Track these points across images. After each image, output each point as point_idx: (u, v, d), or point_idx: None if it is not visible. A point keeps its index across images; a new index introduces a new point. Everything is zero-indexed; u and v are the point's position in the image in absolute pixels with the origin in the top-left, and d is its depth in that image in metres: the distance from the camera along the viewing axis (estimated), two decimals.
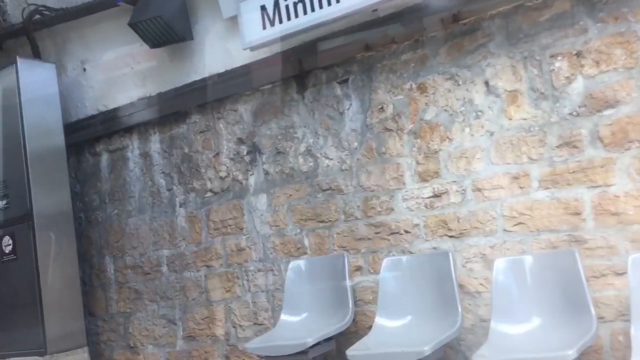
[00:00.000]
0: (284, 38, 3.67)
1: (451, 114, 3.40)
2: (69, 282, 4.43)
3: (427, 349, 2.69)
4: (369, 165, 3.66)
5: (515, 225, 3.19)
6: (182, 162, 4.43)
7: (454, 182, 3.37)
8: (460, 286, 3.24)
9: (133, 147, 4.69)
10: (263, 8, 3.65)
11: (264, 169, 4.07)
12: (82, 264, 4.74)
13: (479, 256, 3.29)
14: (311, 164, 3.88)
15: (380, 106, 3.62)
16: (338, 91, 3.79)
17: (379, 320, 3.20)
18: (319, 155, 3.86)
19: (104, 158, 4.85)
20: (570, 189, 3.06)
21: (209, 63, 4.23)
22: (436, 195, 3.43)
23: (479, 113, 3.31)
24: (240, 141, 4.18)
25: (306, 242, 3.88)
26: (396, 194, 3.56)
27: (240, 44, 3.98)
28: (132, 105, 4.61)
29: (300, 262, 3.72)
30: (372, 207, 3.63)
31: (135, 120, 4.61)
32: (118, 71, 4.65)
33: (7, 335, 4.42)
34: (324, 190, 3.83)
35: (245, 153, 4.16)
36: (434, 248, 3.42)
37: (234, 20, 4.02)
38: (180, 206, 4.44)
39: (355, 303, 3.53)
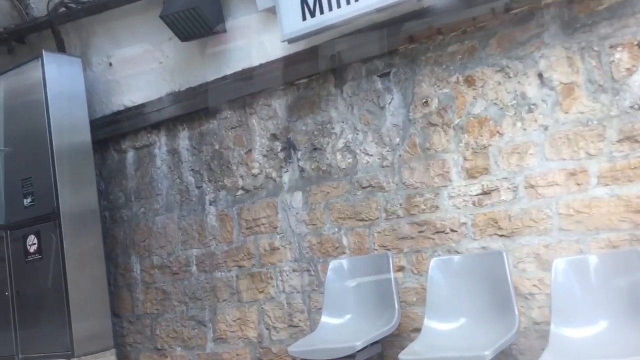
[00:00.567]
0: (324, 29, 3.54)
1: (501, 108, 3.26)
2: (95, 282, 4.30)
3: (488, 354, 2.54)
4: (412, 162, 3.52)
5: (572, 223, 3.05)
6: (212, 159, 4.30)
7: (505, 178, 3.23)
8: None
9: (160, 143, 4.56)
10: None
11: (299, 165, 3.94)
12: (107, 263, 4.60)
13: (532, 256, 3.15)
14: (350, 160, 3.75)
15: (424, 100, 3.49)
16: (379, 85, 3.65)
17: (428, 323, 3.05)
18: (358, 151, 3.72)
19: (130, 155, 4.73)
20: (631, 185, 2.91)
21: (242, 57, 4.09)
22: (485, 193, 3.28)
23: (532, 106, 3.17)
24: (274, 137, 4.05)
25: (345, 241, 3.74)
26: (441, 192, 3.42)
27: (276, 36, 3.86)
28: (160, 101, 4.48)
29: (341, 262, 3.58)
30: (416, 205, 3.49)
31: (163, 116, 4.49)
32: (146, 66, 4.52)
33: (32, 337, 4.30)
34: (363, 188, 3.69)
35: (279, 149, 4.02)
36: (483, 248, 3.28)
37: (269, 12, 3.89)
38: (211, 204, 4.31)
39: None
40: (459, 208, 3.36)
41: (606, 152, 2.97)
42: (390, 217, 3.58)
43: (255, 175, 4.12)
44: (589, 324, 2.69)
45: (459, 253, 3.34)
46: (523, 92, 3.20)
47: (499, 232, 3.24)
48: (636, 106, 2.92)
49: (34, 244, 4.28)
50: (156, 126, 4.57)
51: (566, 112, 3.08)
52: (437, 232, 3.42)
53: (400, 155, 3.56)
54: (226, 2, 4.09)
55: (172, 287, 4.47)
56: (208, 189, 4.32)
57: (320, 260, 3.82)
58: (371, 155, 3.67)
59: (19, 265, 4.38)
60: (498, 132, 3.26)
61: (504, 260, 2.98)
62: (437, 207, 3.42)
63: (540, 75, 3.16)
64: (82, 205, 4.30)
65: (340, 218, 3.76)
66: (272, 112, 4.06)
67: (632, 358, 2.37)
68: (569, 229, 3.06)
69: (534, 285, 3.14)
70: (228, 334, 4.20)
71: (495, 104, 3.27)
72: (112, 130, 4.73)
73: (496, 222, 3.25)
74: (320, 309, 3.79)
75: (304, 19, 3.52)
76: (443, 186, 3.41)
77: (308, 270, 3.88)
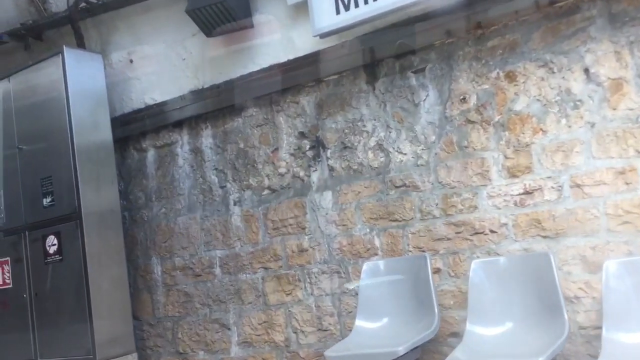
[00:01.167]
0: (358, 24, 3.43)
1: (545, 104, 3.14)
2: (117, 284, 4.19)
3: None
4: (449, 160, 3.40)
5: (621, 224, 2.93)
6: (237, 158, 4.19)
7: (549, 177, 3.11)
8: None
9: (183, 142, 4.45)
10: None
11: (328, 164, 3.83)
12: (127, 265, 4.49)
13: (578, 258, 3.03)
14: (382, 159, 3.63)
15: (462, 97, 3.37)
16: (413, 81, 3.54)
17: (471, 328, 2.93)
18: (391, 149, 3.61)
19: (150, 154, 4.61)
20: None
21: (269, 52, 3.98)
22: (527, 192, 3.17)
23: (578, 103, 3.06)
24: (302, 135, 3.93)
25: (377, 242, 3.63)
26: (480, 191, 3.30)
27: (305, 31, 3.77)
28: (182, 99, 4.37)
29: (376, 264, 3.46)
30: (453, 205, 3.38)
31: (186, 114, 4.37)
32: (168, 62, 4.41)
33: (52, 340, 4.18)
34: (397, 187, 3.57)
35: (307, 148, 3.91)
36: (525, 249, 3.17)
37: (298, 6, 3.79)
38: (235, 204, 4.19)
39: None
40: (499, 208, 3.24)
41: None
42: (426, 218, 3.46)
43: (282, 175, 4.00)
44: None
45: (499, 255, 3.23)
46: (568, 88, 3.08)
47: (543, 233, 3.12)
48: None
49: (54, 244, 4.17)
50: (178, 124, 4.45)
51: (614, 109, 2.97)
52: (476, 233, 3.31)
53: (436, 154, 3.45)
54: None
55: (195, 289, 4.36)
56: (232, 189, 4.21)
57: (351, 262, 3.71)
58: (405, 153, 3.56)
59: (38, 267, 4.26)
60: (541, 129, 3.14)
61: (551, 262, 2.86)
62: (476, 207, 3.31)
63: (586, 71, 3.04)
64: (103, 205, 4.19)
65: (372, 218, 3.65)
66: (300, 109, 3.94)
67: None
68: (617, 230, 2.94)
69: (580, 289, 3.03)
70: (253, 337, 4.08)
71: (538, 100, 3.16)
72: (132, 129, 4.62)
73: (539, 223, 3.13)
74: (351, 312, 3.69)
75: (338, 12, 3.41)
76: (482, 185, 3.29)
77: (338, 272, 3.77)
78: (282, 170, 4.00)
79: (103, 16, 4.60)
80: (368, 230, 3.66)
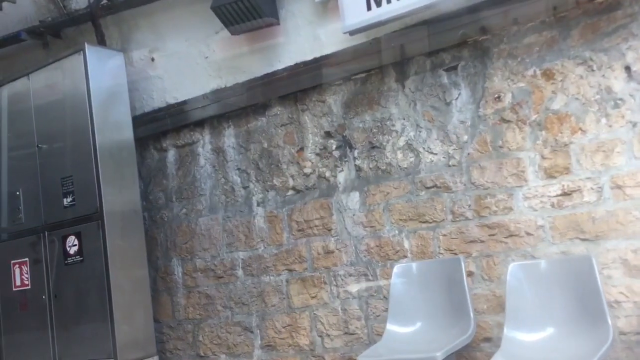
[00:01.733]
0: (389, 20, 3.35)
1: (584, 103, 3.05)
2: (138, 285, 4.12)
3: None
4: (483, 161, 3.32)
5: None
6: (261, 158, 4.11)
7: (588, 178, 3.02)
8: None
9: (204, 141, 4.38)
10: None
11: (355, 164, 3.75)
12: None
13: (618, 261, 2.94)
14: (412, 159, 3.55)
15: (496, 95, 3.29)
16: (444, 79, 3.45)
17: (509, 333, 2.84)
18: (421, 149, 3.52)
19: (171, 154, 4.54)
20: None
21: (295, 50, 3.91)
22: (566, 194, 3.08)
23: (619, 102, 2.97)
24: (328, 135, 3.86)
25: (406, 244, 3.54)
26: (516, 192, 3.21)
27: (332, 28, 3.70)
28: (204, 97, 4.29)
29: (407, 266, 3.37)
30: (487, 207, 3.29)
31: (208, 113, 4.30)
32: (190, 61, 4.34)
33: (71, 342, 4.11)
34: (427, 188, 3.49)
35: (333, 148, 3.83)
36: (563, 252, 3.08)
37: (325, 3, 3.72)
38: (258, 205, 4.12)
39: None
40: (536, 210, 3.15)
41: None
42: (458, 219, 3.38)
43: (307, 175, 3.92)
44: None
45: (535, 258, 3.14)
46: (608, 87, 2.99)
47: (581, 236, 3.03)
48: None
49: (75, 245, 4.10)
50: (200, 124, 4.38)
51: None
52: (511, 236, 3.22)
53: (468, 154, 3.36)
54: None
55: (216, 292, 4.28)
56: (255, 189, 4.14)
57: (379, 265, 3.63)
58: (436, 153, 3.47)
59: (58, 268, 4.19)
60: (580, 129, 3.05)
61: (593, 265, 2.77)
62: (511, 209, 3.22)
63: (627, 69, 2.95)
64: (125, 205, 4.11)
65: (401, 220, 3.57)
66: (326, 108, 3.86)
67: None
68: None
69: (621, 293, 2.94)
70: (277, 341, 4.00)
71: (577, 99, 3.07)
72: (153, 128, 4.55)
73: (578, 225, 3.04)
74: (379, 315, 3.61)
75: (369, 8, 3.33)
76: (518, 186, 3.21)
77: (365, 275, 3.68)
78: (308, 170, 3.92)
79: (124, 14, 4.53)
80: (397, 231, 3.58)
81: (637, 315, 2.88)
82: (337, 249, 3.79)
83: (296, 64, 3.90)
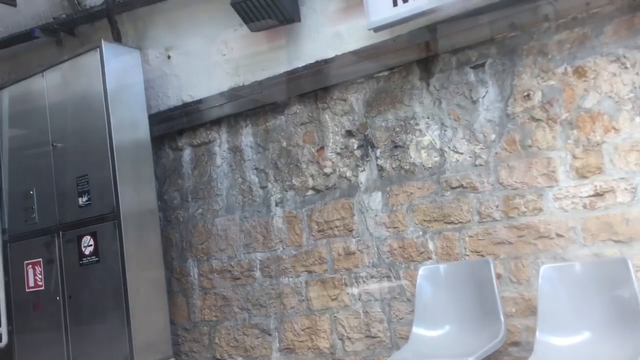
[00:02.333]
0: (416, 16, 3.28)
1: (617, 101, 2.98)
2: (155, 287, 4.05)
3: None
4: (511, 160, 3.24)
5: None
6: (279, 157, 4.04)
7: (622, 178, 2.95)
8: None
9: (221, 140, 4.31)
10: None
11: (378, 164, 3.67)
12: None
13: None
14: (437, 158, 3.48)
15: (525, 93, 3.21)
16: (471, 77, 3.38)
17: (542, 337, 2.77)
18: (446, 149, 3.45)
19: (186, 153, 4.47)
20: None
21: (316, 48, 3.83)
22: (598, 194, 3.00)
23: None
24: (350, 134, 3.78)
25: (431, 245, 3.47)
26: (546, 192, 3.14)
27: (354, 25, 3.63)
28: (221, 96, 4.22)
29: (433, 268, 3.30)
30: (515, 207, 3.21)
31: (225, 111, 4.23)
32: (208, 59, 4.26)
33: (86, 345, 4.04)
34: (452, 188, 3.41)
35: (355, 147, 3.76)
36: (595, 254, 3.00)
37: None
38: (277, 205, 4.04)
39: None
40: (567, 211, 3.08)
41: None
42: (485, 220, 3.30)
43: (327, 175, 3.85)
44: None
45: (565, 260, 3.06)
46: None
47: (615, 238, 2.96)
48: None
49: (90, 245, 4.03)
50: (216, 122, 4.31)
51: None
52: (540, 237, 3.14)
53: (496, 153, 3.29)
54: None
55: (233, 293, 4.21)
56: (274, 189, 4.06)
57: (403, 266, 3.55)
58: (461, 153, 3.40)
59: (72, 268, 4.12)
60: (614, 127, 2.98)
61: (629, 268, 2.70)
62: (541, 210, 3.14)
63: None
64: (141, 205, 4.04)
65: (425, 220, 3.49)
66: (347, 107, 3.79)
67: None
68: None
69: None
70: (296, 343, 3.93)
71: (610, 97, 3.00)
72: (168, 127, 4.48)
73: (611, 227, 2.96)
74: (402, 318, 3.54)
75: (395, 4, 3.26)
76: (548, 187, 3.13)
77: (388, 277, 3.61)
78: (328, 170, 3.85)
79: (140, 10, 4.47)
80: (421, 232, 3.50)
81: None
82: (359, 250, 3.71)
83: (317, 62, 3.83)
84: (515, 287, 3.20)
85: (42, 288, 4.28)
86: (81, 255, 4.08)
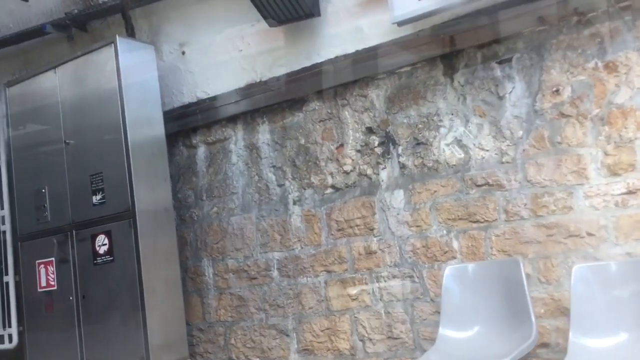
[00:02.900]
0: (443, 10, 3.20)
1: None
2: (170, 286, 3.97)
3: None
4: (539, 157, 3.17)
5: None
6: (297, 155, 3.97)
7: None
8: None
9: (237, 138, 4.23)
10: None
11: (399, 162, 3.60)
12: None
13: None
14: (461, 156, 3.40)
15: (554, 88, 3.14)
16: (497, 72, 3.31)
17: (576, 339, 2.69)
18: (471, 146, 3.38)
19: (201, 150, 4.40)
20: None
21: (336, 43, 3.76)
22: (631, 192, 2.93)
23: None
24: (370, 131, 3.71)
25: (455, 244, 3.39)
26: (576, 190, 3.06)
27: (376, 20, 3.57)
28: (238, 92, 4.15)
29: (460, 268, 3.22)
30: (544, 206, 3.14)
31: (241, 108, 4.15)
32: (224, 55, 4.19)
33: (100, 345, 3.96)
34: (478, 186, 3.34)
35: (376, 144, 3.68)
36: (628, 254, 2.92)
37: None
38: (295, 204, 3.97)
39: None
40: (598, 209, 3.00)
41: None
42: (512, 219, 3.23)
43: (347, 173, 3.78)
44: None
45: (597, 259, 2.99)
46: None
47: None
48: None
49: (105, 244, 3.95)
50: (232, 119, 4.24)
51: None
52: (570, 236, 3.07)
53: (524, 150, 3.21)
54: None
55: (250, 293, 4.13)
56: (292, 187, 3.99)
57: (426, 266, 3.48)
58: (487, 150, 3.32)
59: (86, 268, 4.04)
60: None
61: None
62: (571, 208, 3.07)
63: None
64: (157, 203, 3.97)
65: (449, 219, 3.42)
66: (368, 103, 3.72)
67: None
68: None
69: None
70: (315, 345, 3.85)
71: None
72: (182, 124, 4.40)
73: None
74: (425, 319, 3.46)
75: None
76: (578, 184, 3.05)
77: (411, 277, 3.53)
78: (348, 167, 3.77)
79: (154, 5, 4.39)
80: (445, 231, 3.43)
81: None
82: (380, 250, 3.64)
83: (337, 57, 3.76)
84: (544, 288, 3.12)
85: (55, 288, 4.21)
86: (95, 254, 4.00)
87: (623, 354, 2.55)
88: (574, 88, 3.08)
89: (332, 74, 3.77)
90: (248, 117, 4.18)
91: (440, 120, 3.47)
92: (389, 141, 3.64)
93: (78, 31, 4.77)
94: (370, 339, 3.65)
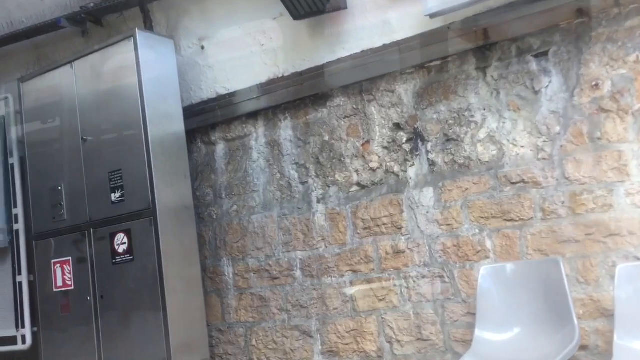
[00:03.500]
0: (475, 2, 3.10)
1: None
2: (191, 286, 3.89)
3: None
4: (578, 154, 3.07)
5: None
6: (321, 152, 3.87)
7: None
8: None
9: (257, 134, 4.13)
10: None
11: (429, 158, 3.50)
12: None
13: None
14: (494, 152, 3.30)
15: (593, 83, 3.04)
16: (533, 66, 3.21)
17: (620, 341, 2.59)
18: (505, 142, 3.28)
19: (220, 148, 4.30)
20: None
21: (362, 36, 3.66)
22: None
23: None
24: (398, 127, 3.61)
25: (488, 244, 3.29)
26: (617, 188, 2.97)
27: (404, 13, 3.48)
28: (259, 88, 4.05)
29: (497, 268, 3.12)
30: (583, 204, 3.04)
31: (262, 104, 4.05)
32: (245, 49, 4.09)
33: (119, 346, 3.87)
34: (512, 183, 3.24)
35: (404, 141, 3.59)
36: None
37: None
38: (319, 202, 3.87)
39: None
40: None
41: None
42: (549, 217, 3.13)
43: (373, 170, 3.68)
44: None
45: (638, 259, 2.89)
46: None
47: None
48: None
49: (124, 243, 3.86)
50: (253, 115, 4.14)
51: None
52: (611, 235, 2.97)
53: (561, 146, 3.11)
54: None
55: (271, 294, 4.03)
56: (315, 185, 3.89)
57: (457, 266, 3.38)
58: (522, 146, 3.22)
59: (105, 267, 3.95)
60: None
61: None
62: (611, 206, 2.97)
63: None
64: (177, 201, 3.88)
65: (482, 218, 3.32)
66: (395, 98, 3.62)
67: None
68: None
69: None
70: (340, 346, 3.75)
71: None
72: (201, 121, 4.30)
73: None
74: (457, 320, 3.37)
75: None
76: (619, 182, 2.96)
77: (441, 277, 3.43)
78: (374, 164, 3.68)
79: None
80: (477, 230, 3.33)
81: None
82: (409, 249, 3.54)
83: (363, 51, 3.66)
84: (583, 288, 3.03)
85: (72, 288, 4.12)
86: (114, 253, 3.91)
87: None
88: (614, 82, 2.99)
89: (358, 69, 3.67)
90: (269, 113, 4.08)
91: (472, 116, 3.38)
92: (417, 137, 3.55)
93: (93, 25, 4.67)
94: (399, 341, 3.55)
